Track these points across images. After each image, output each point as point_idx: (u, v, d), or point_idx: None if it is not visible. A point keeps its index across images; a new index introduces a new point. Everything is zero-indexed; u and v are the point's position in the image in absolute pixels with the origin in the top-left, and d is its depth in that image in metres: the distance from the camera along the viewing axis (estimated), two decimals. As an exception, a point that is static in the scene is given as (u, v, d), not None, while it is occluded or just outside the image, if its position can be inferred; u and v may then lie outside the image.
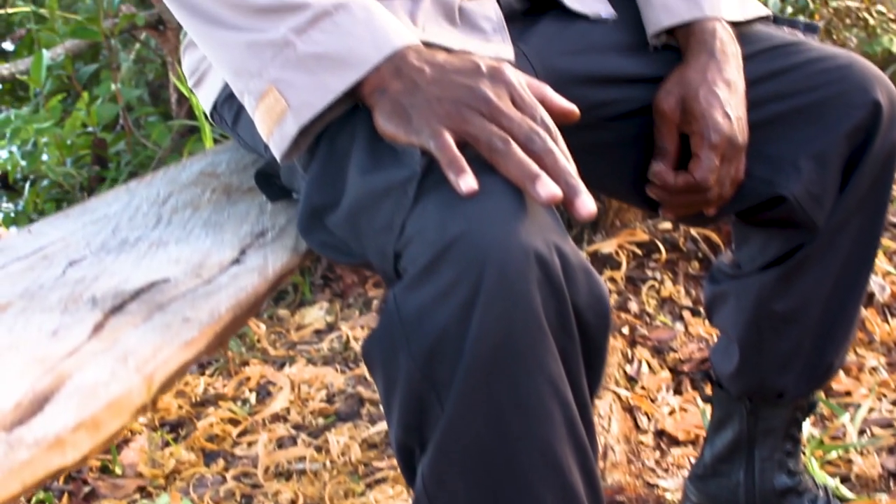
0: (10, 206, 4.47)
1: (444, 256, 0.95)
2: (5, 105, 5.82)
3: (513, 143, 0.99)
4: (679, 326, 2.40)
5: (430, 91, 1.04)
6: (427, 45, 1.22)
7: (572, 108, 1.09)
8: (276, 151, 1.11)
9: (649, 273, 2.52)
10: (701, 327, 2.38)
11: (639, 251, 2.61)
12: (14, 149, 3.90)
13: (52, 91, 4.16)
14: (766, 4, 3.47)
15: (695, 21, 1.37)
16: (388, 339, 1.00)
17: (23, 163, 3.93)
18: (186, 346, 0.92)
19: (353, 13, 1.09)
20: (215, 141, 2.83)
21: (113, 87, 4.02)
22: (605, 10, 1.43)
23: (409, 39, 1.09)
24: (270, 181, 1.29)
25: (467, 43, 1.26)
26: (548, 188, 0.96)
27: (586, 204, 0.98)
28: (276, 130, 1.09)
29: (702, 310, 2.40)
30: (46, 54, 3.91)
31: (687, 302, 2.46)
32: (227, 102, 1.39)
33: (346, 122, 1.11)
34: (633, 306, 2.44)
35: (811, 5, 3.54)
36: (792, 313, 1.46)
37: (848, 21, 3.53)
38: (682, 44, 1.39)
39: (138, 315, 0.95)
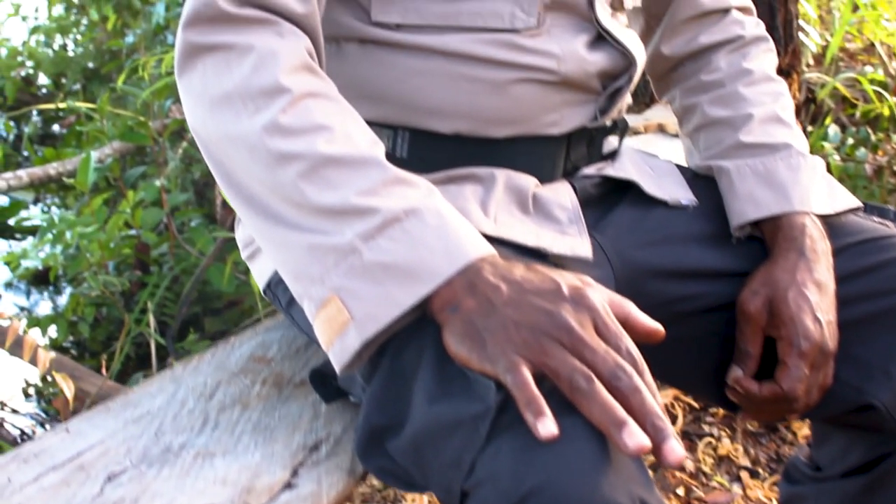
0: (50, 304, 4.43)
1: None
2: (51, 193, 5.83)
3: (596, 381, 0.90)
4: (737, 489, 2.28)
5: (506, 313, 0.95)
6: (500, 241, 1.15)
7: (657, 328, 1.00)
8: (336, 363, 1.02)
9: (706, 428, 2.41)
10: (760, 491, 2.26)
11: (695, 405, 2.49)
12: (57, 248, 3.86)
13: (97, 190, 4.14)
14: (826, 137, 3.40)
15: (783, 215, 1.29)
16: None
17: (63, 261, 3.89)
18: None
19: (425, 220, 1.00)
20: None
21: (158, 182, 3.99)
22: (686, 197, 1.36)
23: (485, 250, 1.00)
24: (326, 380, 1.21)
25: (542, 236, 1.19)
26: (635, 438, 0.87)
27: (675, 450, 0.88)
28: (336, 341, 1.01)
29: (761, 471, 2.29)
30: (94, 155, 3.89)
31: (745, 462, 2.34)
32: (282, 283, 1.31)
33: (412, 335, 1.02)
34: (689, 464, 2.32)
35: (872, 137, 3.46)
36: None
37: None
38: (768, 238, 1.30)
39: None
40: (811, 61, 3.89)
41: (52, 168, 4.00)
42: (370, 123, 1.19)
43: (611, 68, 1.27)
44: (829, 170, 3.24)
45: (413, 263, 0.98)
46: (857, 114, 3.78)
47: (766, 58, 1.45)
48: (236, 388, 1.22)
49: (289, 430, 1.13)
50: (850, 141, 3.44)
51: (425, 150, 1.23)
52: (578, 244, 1.20)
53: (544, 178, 1.25)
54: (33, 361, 2.60)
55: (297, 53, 1.07)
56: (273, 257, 1.08)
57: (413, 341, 1.02)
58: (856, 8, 4.26)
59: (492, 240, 1.14)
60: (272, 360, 1.30)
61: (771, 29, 2.56)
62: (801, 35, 2.91)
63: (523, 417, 0.90)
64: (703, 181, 1.40)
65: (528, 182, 1.23)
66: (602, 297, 0.97)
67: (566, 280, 0.97)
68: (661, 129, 2.48)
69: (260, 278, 1.36)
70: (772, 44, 1.48)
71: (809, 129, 3.53)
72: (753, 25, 1.47)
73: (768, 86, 1.41)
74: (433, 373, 0.99)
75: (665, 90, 1.53)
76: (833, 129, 3.48)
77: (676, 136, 2.37)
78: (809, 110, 3.56)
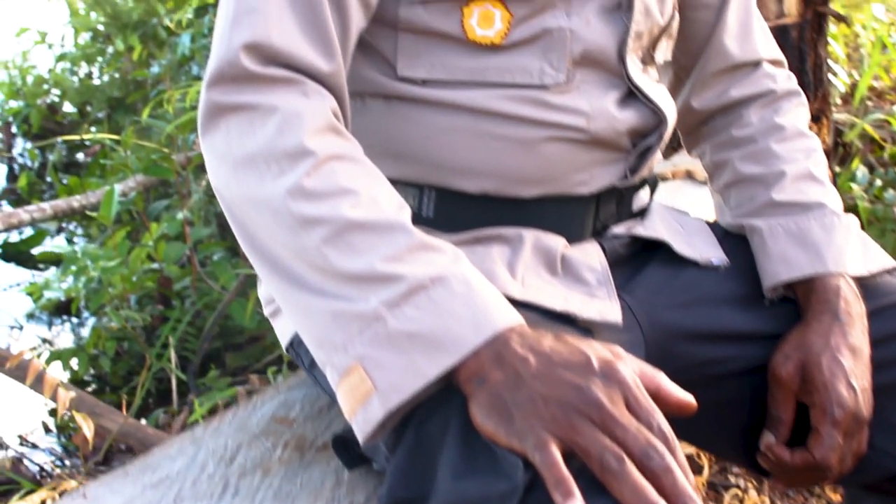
0: (72, 335, 4.42)
1: None
2: (74, 221, 5.84)
3: (627, 460, 0.88)
4: (764, 542, 2.24)
5: (535, 387, 0.93)
6: (528, 305, 1.13)
7: (689, 400, 0.97)
8: (359, 433, 0.99)
9: (732, 479, 2.37)
10: (788, 544, 2.22)
11: (722, 454, 2.45)
12: (80, 281, 3.86)
13: (120, 221, 4.14)
14: (854, 178, 3.36)
15: (817, 276, 1.26)
16: None
17: (86, 294, 3.89)
18: None
19: (451, 288, 0.98)
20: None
21: (181, 215, 3.99)
22: (717, 257, 1.33)
23: (513, 320, 0.98)
24: (349, 446, 1.18)
25: (570, 299, 1.16)
26: None
27: None
28: (359, 411, 0.98)
29: (789, 523, 2.25)
30: (118, 188, 3.89)
31: (772, 515, 2.30)
32: (305, 344, 1.29)
33: (438, 405, 0.99)
34: (716, 516, 2.28)
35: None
36: None
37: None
38: (801, 300, 1.27)
39: None
40: (839, 101, 3.86)
41: (76, 200, 4.00)
42: (395, 182, 1.17)
43: (641, 126, 1.25)
44: (856, 212, 3.21)
45: (439, 333, 0.96)
46: (886, 155, 3.74)
47: (798, 113, 1.42)
48: (257, 451, 1.20)
49: (311, 498, 1.10)
50: (879, 182, 3.41)
51: (452, 209, 1.21)
52: (608, 308, 1.17)
53: (573, 238, 1.23)
54: (54, 399, 2.59)
55: (322, 114, 1.06)
56: (295, 322, 1.06)
57: (438, 411, 0.99)
58: (884, 47, 4.23)
59: (519, 304, 1.12)
60: (294, 422, 1.28)
61: (800, 73, 2.55)
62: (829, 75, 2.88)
63: (552, 498, 0.87)
64: (734, 239, 1.37)
65: (557, 242, 1.20)
66: (633, 369, 0.95)
67: (596, 352, 0.95)
68: (690, 175, 2.45)
69: (282, 336, 1.34)
70: (804, 97, 1.45)
71: (837, 169, 3.49)
72: (785, 79, 1.44)
73: (801, 142, 1.39)
74: (458, 446, 0.96)
75: (695, 144, 1.50)
76: (861, 171, 3.45)
77: (705, 183, 2.35)
78: (837, 152, 3.53)
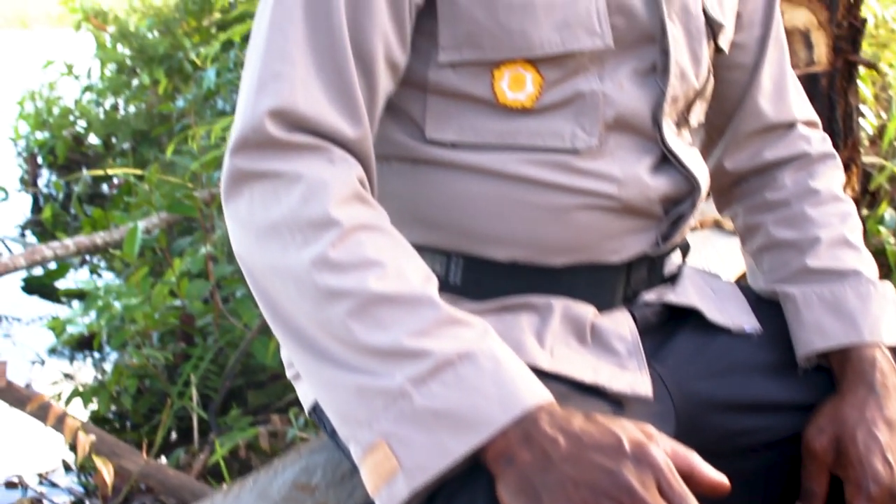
0: (94, 371, 4.42)
1: None
2: (97, 254, 5.84)
3: None
4: None
5: (564, 470, 0.90)
6: (556, 376, 1.11)
7: (722, 482, 0.94)
8: None
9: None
10: None
11: None
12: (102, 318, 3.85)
13: (143, 254, 4.13)
14: (882, 221, 3.32)
15: (852, 346, 1.23)
16: None
17: (108, 330, 3.88)
18: None
19: (479, 364, 0.96)
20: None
21: (203, 250, 3.98)
22: (749, 323, 1.30)
23: (542, 397, 0.95)
24: (372, 520, 1.16)
25: (600, 371, 1.14)
26: None
27: None
28: (383, 489, 0.96)
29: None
30: (141, 225, 3.89)
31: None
32: (329, 409, 1.26)
33: (464, 483, 0.97)
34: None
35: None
36: None
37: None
38: (836, 370, 1.24)
39: None
40: (866, 143, 3.83)
41: (99, 237, 4.01)
42: (422, 248, 1.15)
43: (674, 193, 1.22)
44: (884, 255, 3.17)
45: (466, 411, 0.94)
46: (914, 197, 3.71)
47: (833, 176, 1.39)
48: (278, 521, 1.17)
49: (333, 572, 1.08)
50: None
51: (479, 277, 1.18)
52: (638, 381, 1.15)
53: (603, 306, 1.20)
54: (74, 442, 2.58)
55: (347, 182, 1.04)
56: (318, 394, 1.04)
57: (465, 490, 0.97)
58: (913, 88, 4.20)
59: (548, 375, 1.10)
60: (316, 489, 1.25)
61: (830, 121, 2.52)
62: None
63: None
64: (767, 305, 1.34)
65: (586, 311, 1.18)
66: (666, 451, 0.92)
67: (628, 433, 0.92)
68: (718, 224, 2.42)
69: (305, 399, 1.31)
70: (838, 160, 1.42)
71: (865, 212, 3.46)
72: (820, 141, 1.41)
73: (836, 206, 1.36)
74: (485, 527, 0.94)
75: (727, 205, 1.47)
76: (889, 214, 3.41)
77: (733, 233, 2.32)
78: (865, 195, 3.49)
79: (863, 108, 3.87)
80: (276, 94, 1.04)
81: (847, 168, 2.62)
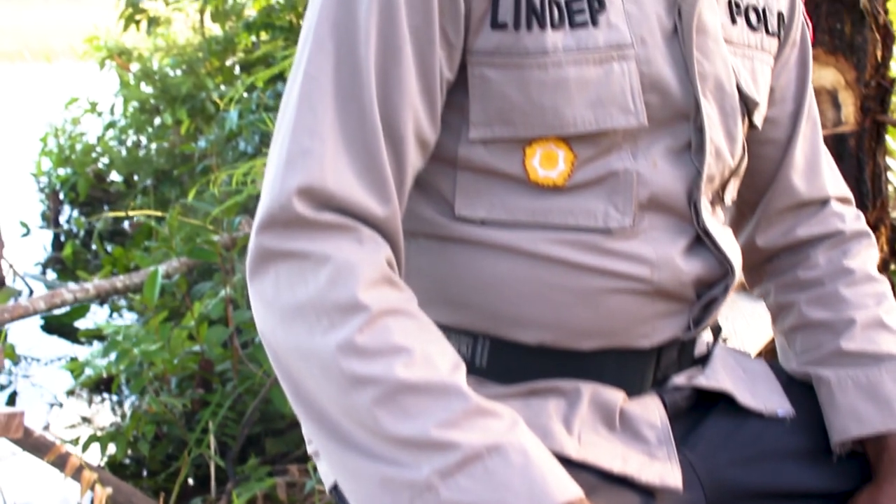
0: (111, 414, 4.41)
1: None
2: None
3: None
4: None
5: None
6: (584, 465, 1.08)
7: None
8: None
9: None
10: None
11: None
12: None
13: (163, 301, 4.13)
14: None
15: (889, 433, 1.20)
16: None
17: (127, 375, 3.88)
18: None
19: (508, 458, 0.94)
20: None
21: (223, 292, 3.97)
22: (782, 407, 1.27)
23: (571, 493, 0.93)
24: None
25: (629, 460, 1.11)
26: None
27: None
28: None
29: None
30: (161, 268, 3.88)
31: None
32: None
33: None
34: None
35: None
36: None
37: None
38: (872, 457, 1.22)
39: None
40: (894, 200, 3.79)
41: (119, 281, 4.00)
42: (448, 329, 1.13)
43: (707, 276, 1.20)
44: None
45: None
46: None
47: (867, 255, 1.36)
48: None
49: None
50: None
51: (507, 360, 1.16)
52: (668, 471, 1.12)
53: (632, 391, 1.18)
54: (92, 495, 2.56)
55: (376, 265, 1.02)
56: (341, 479, 1.02)
57: None
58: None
59: (576, 464, 1.07)
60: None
61: (858, 182, 2.49)
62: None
63: None
64: (799, 387, 1.31)
65: (615, 397, 1.15)
66: None
67: None
68: (744, 287, 2.39)
69: (325, 478, 1.29)
70: (873, 238, 1.39)
71: (893, 267, 3.41)
72: (853, 218, 1.38)
73: (870, 286, 1.32)
74: None
75: (758, 282, 1.44)
76: (919, 271, 3.37)
77: (760, 297, 2.29)
78: (894, 255, 3.45)
79: (890, 162, 3.83)
80: (304, 171, 1.02)
81: (875, 229, 2.58)
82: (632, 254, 1.14)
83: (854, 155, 2.48)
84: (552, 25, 1.09)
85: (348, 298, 0.99)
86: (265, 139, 5.48)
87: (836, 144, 2.46)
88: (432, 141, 1.10)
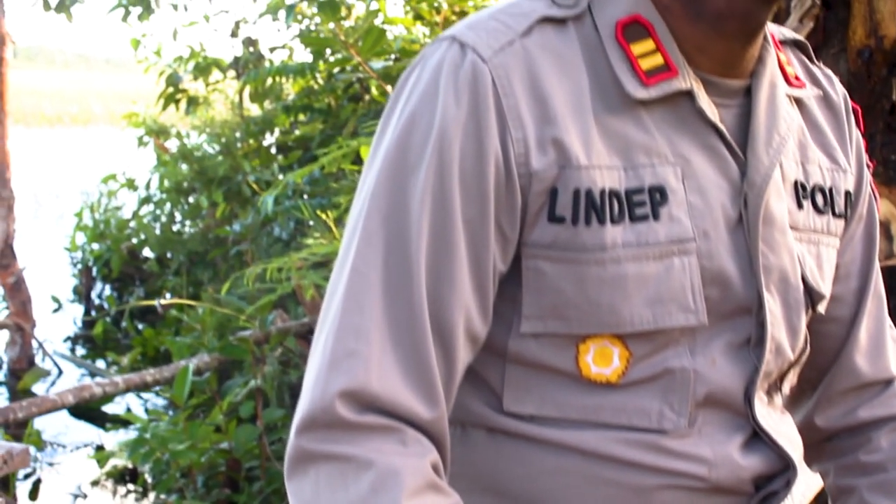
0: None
1: None
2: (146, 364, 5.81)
3: None
4: None
5: None
6: None
7: None
8: None
9: None
10: None
11: None
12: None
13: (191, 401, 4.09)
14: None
15: None
16: None
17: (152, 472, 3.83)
18: None
19: None
20: None
21: (253, 382, 3.93)
22: None
23: None
24: None
25: None
26: None
27: None
28: None
29: None
30: (191, 365, 3.85)
31: None
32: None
33: None
34: None
35: None
36: None
37: None
38: None
39: None
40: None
41: (150, 375, 3.98)
42: (494, 518, 1.07)
43: (766, 471, 1.14)
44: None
45: None
46: None
47: None
48: None
49: None
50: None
51: None
52: None
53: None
54: None
55: (420, 471, 0.97)
56: None
57: None
58: None
59: None
60: None
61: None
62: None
63: None
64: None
65: None
66: None
67: None
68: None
69: None
70: (938, 422, 1.32)
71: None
72: None
73: None
74: None
75: (816, 461, 1.37)
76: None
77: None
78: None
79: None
80: (349, 373, 0.98)
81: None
82: (688, 454, 1.08)
83: (905, 287, 2.42)
84: (612, 220, 1.04)
85: None
86: (300, 226, 5.46)
87: (889, 277, 2.40)
88: (483, 335, 1.05)
